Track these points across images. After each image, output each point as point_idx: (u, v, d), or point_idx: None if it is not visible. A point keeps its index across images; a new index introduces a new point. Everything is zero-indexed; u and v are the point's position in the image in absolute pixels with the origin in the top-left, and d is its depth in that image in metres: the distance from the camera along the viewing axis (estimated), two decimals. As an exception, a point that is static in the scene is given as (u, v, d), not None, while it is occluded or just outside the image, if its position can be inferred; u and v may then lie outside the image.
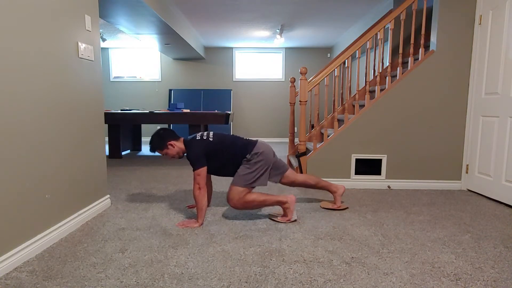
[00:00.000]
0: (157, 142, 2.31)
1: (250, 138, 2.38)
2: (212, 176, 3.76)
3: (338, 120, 4.02)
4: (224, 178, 3.72)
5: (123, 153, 5.63)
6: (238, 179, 2.23)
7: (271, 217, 2.36)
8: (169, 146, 2.31)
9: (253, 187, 2.26)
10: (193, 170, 2.20)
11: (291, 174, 2.50)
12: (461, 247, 1.90)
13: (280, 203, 2.28)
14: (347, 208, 2.61)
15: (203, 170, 2.20)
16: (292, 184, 2.53)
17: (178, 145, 2.33)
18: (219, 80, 7.89)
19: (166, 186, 3.35)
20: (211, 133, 2.33)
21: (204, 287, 1.46)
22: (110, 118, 4.86)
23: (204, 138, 2.28)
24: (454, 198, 2.95)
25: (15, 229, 1.65)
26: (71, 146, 2.13)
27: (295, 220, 2.30)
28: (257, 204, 2.26)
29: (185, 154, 2.33)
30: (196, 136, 2.31)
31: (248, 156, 2.25)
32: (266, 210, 2.54)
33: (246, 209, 2.34)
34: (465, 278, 1.55)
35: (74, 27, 2.16)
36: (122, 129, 5.40)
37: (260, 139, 8.00)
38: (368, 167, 3.31)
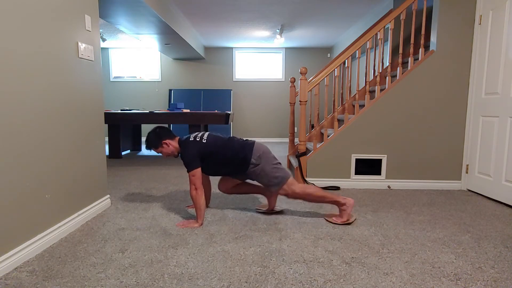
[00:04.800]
0: (153, 140, 2.32)
1: (246, 139, 2.36)
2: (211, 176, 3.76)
3: (338, 120, 4.02)
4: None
5: (123, 153, 5.63)
6: (272, 180, 2.23)
7: (325, 218, 2.35)
8: (164, 145, 2.31)
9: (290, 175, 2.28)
10: (187, 172, 2.19)
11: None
12: (461, 247, 1.90)
13: (338, 204, 2.29)
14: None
15: (198, 171, 2.19)
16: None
17: (173, 144, 2.32)
18: (219, 80, 7.89)
19: (166, 186, 3.35)
20: (205, 134, 2.30)
21: (204, 287, 1.46)
22: (110, 118, 4.86)
23: (198, 139, 2.26)
24: (454, 198, 2.95)
25: (15, 229, 1.65)
26: (71, 146, 2.13)
27: (352, 222, 2.28)
28: (315, 197, 2.29)
29: (180, 153, 2.33)
30: (190, 137, 2.29)
31: (253, 161, 2.23)
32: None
33: (303, 200, 2.33)
34: (465, 278, 1.55)
35: (74, 27, 2.16)
36: (122, 129, 5.40)
37: (260, 140, 8.03)
38: (368, 167, 3.31)
